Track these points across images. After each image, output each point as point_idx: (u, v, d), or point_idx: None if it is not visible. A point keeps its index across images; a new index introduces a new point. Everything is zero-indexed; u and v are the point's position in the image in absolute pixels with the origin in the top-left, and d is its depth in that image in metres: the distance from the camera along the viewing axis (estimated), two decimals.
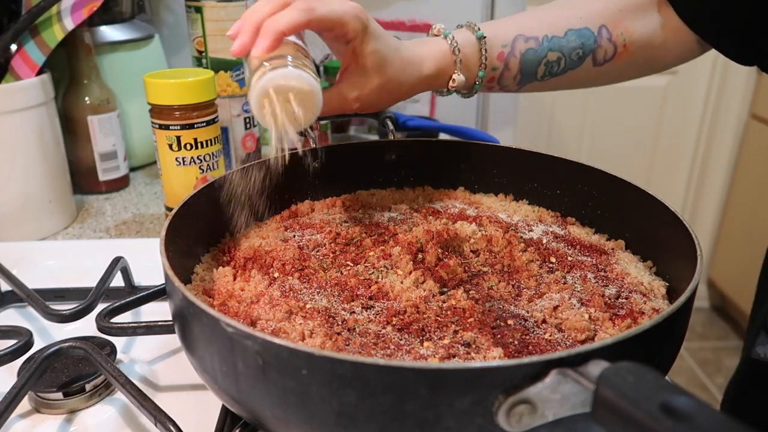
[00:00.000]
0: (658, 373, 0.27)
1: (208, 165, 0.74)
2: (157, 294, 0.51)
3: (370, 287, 0.45)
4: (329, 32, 0.52)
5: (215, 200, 0.53)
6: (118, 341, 0.54)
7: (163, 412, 0.41)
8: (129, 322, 0.48)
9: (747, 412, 0.67)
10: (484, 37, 0.61)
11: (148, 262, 0.60)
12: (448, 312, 0.42)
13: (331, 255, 0.49)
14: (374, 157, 0.64)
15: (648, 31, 0.64)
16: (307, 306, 0.42)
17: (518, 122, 1.38)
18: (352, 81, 0.55)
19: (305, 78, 0.45)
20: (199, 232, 0.51)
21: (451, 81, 0.60)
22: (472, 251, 0.51)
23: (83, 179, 0.92)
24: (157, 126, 0.72)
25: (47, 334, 0.57)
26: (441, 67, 0.59)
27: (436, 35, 0.62)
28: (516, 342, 0.39)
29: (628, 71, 0.68)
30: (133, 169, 1.02)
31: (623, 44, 0.64)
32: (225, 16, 0.84)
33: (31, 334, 0.49)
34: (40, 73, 0.76)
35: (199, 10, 0.83)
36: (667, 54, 0.66)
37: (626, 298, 0.44)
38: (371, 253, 0.49)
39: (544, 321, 0.42)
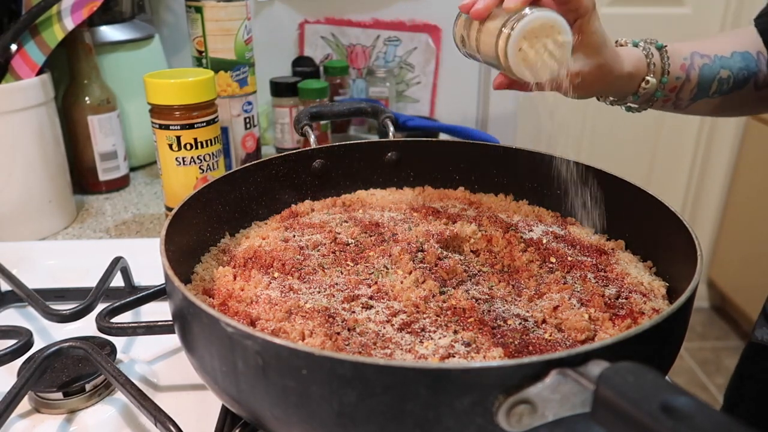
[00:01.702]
0: (658, 373, 0.27)
1: (208, 165, 0.74)
2: (157, 294, 0.51)
3: (370, 287, 0.45)
4: (565, 5, 0.54)
5: (216, 200, 0.53)
6: (118, 341, 0.54)
7: (163, 412, 0.41)
8: (129, 322, 0.48)
9: (746, 393, 0.68)
10: (665, 47, 0.66)
11: (148, 262, 0.60)
12: (448, 312, 0.42)
13: (331, 255, 0.49)
14: (374, 157, 0.64)
15: None
16: (307, 306, 0.42)
17: (518, 122, 1.38)
18: (576, 56, 0.58)
19: (563, 23, 0.48)
20: (199, 232, 0.51)
21: (644, 83, 0.65)
22: (472, 251, 0.51)
23: (83, 179, 0.92)
24: (157, 126, 0.72)
25: (47, 334, 0.57)
26: (637, 68, 0.64)
27: (623, 45, 0.66)
28: (516, 342, 0.39)
29: (766, 103, 0.72)
30: (133, 169, 1.02)
31: None
32: (225, 16, 0.84)
33: (31, 334, 0.49)
34: (40, 73, 0.76)
35: (199, 10, 0.83)
36: None
37: (626, 298, 0.44)
38: (371, 253, 0.49)
39: (544, 321, 0.42)
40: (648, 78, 0.65)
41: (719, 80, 0.68)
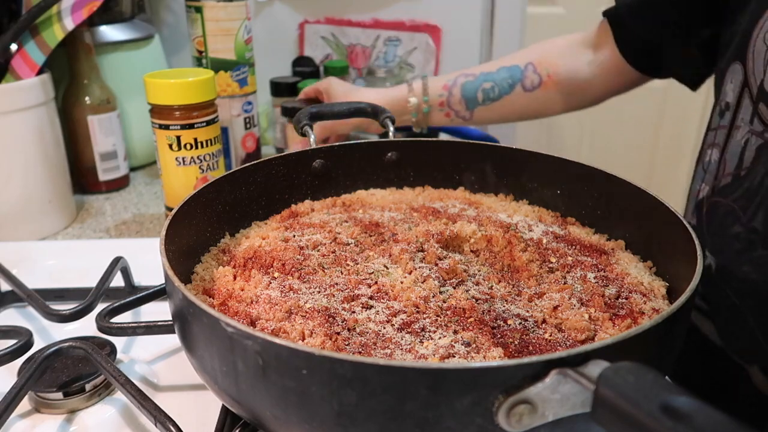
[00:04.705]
0: (658, 373, 0.27)
1: (208, 165, 0.75)
2: (157, 294, 0.51)
3: (369, 287, 0.45)
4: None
5: (216, 200, 0.53)
6: (118, 341, 0.54)
7: (163, 412, 0.41)
8: (129, 322, 0.48)
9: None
10: (426, 77, 0.87)
11: (148, 262, 0.60)
12: (448, 312, 0.42)
13: (331, 255, 0.49)
14: (374, 157, 0.64)
15: (573, 67, 0.81)
16: (307, 306, 0.42)
17: (518, 122, 1.38)
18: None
19: None
20: (199, 232, 0.51)
21: (408, 103, 0.85)
22: (472, 251, 0.51)
23: (83, 179, 0.92)
24: (157, 126, 0.72)
25: (47, 334, 0.57)
26: (395, 98, 0.86)
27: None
28: (516, 342, 0.39)
29: (558, 100, 0.84)
30: (133, 169, 1.02)
31: (547, 75, 0.82)
32: (225, 16, 0.84)
33: (31, 334, 0.49)
34: (40, 73, 0.76)
35: (199, 10, 0.83)
36: (595, 87, 0.82)
37: (626, 298, 0.44)
38: (371, 253, 0.49)
39: (544, 321, 0.42)
40: (410, 99, 0.85)
41: (483, 90, 0.84)
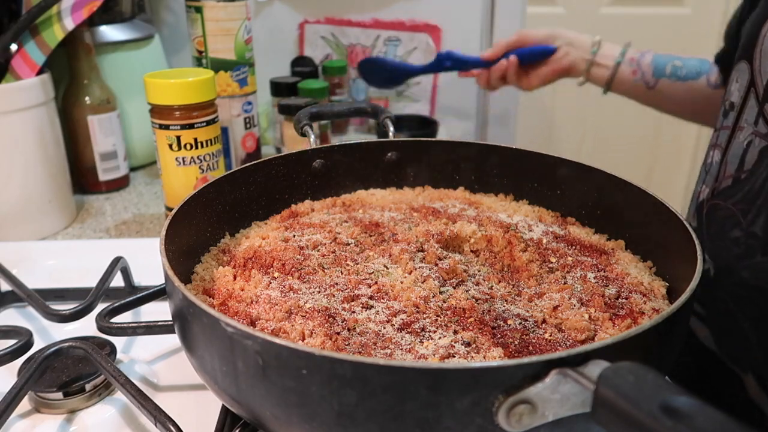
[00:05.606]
0: (658, 373, 0.27)
1: (208, 165, 0.75)
2: (157, 294, 0.51)
3: (370, 287, 0.45)
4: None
5: (216, 200, 0.53)
6: (118, 341, 0.54)
7: (163, 412, 0.41)
8: (129, 322, 0.48)
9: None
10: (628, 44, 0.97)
11: (148, 262, 0.60)
12: (448, 312, 0.42)
13: (331, 255, 0.49)
14: (374, 157, 0.64)
15: None
16: (307, 306, 0.42)
17: (518, 122, 1.38)
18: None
19: None
20: (199, 232, 0.51)
21: (594, 46, 0.98)
22: (472, 251, 0.51)
23: (83, 179, 0.92)
24: (157, 126, 0.72)
25: (47, 334, 0.57)
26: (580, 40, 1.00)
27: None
28: (516, 342, 0.39)
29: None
30: (133, 169, 1.02)
31: None
32: (225, 16, 0.84)
33: (31, 334, 0.49)
34: (40, 73, 0.76)
35: (199, 10, 0.83)
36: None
37: (626, 298, 0.44)
38: (371, 253, 0.49)
39: (544, 321, 0.42)
40: (595, 37, 0.96)
41: (674, 66, 0.89)
